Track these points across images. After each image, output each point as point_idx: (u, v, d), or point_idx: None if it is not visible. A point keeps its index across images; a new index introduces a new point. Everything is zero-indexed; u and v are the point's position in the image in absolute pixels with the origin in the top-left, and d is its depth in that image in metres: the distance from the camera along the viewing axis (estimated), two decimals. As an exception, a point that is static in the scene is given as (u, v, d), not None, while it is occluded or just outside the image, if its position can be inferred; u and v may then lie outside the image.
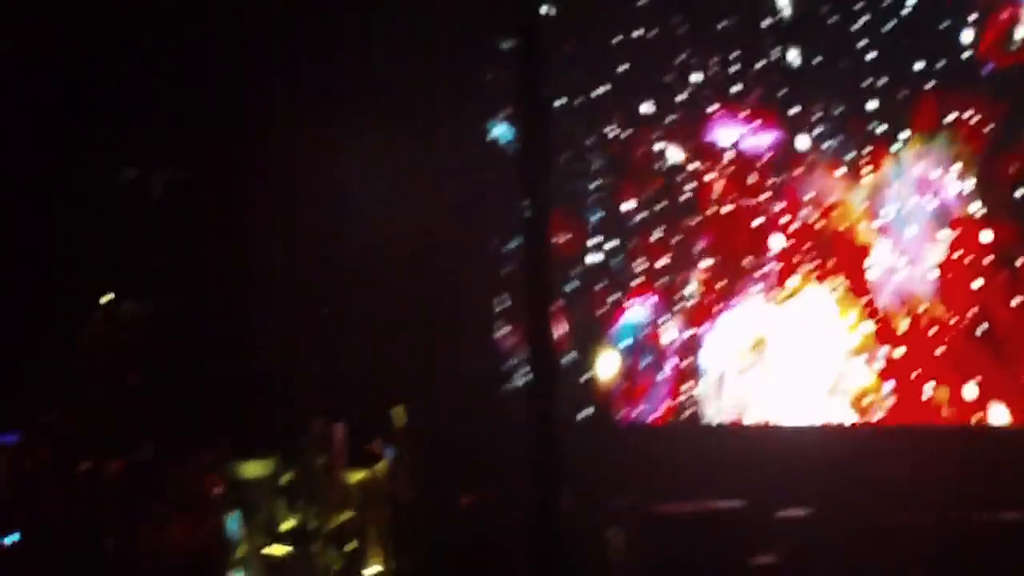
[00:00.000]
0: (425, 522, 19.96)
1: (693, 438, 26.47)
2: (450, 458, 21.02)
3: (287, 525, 21.24)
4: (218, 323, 29.28)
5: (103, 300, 28.45)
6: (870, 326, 23.95)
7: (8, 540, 24.23)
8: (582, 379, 26.62)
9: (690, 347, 25.71)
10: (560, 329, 25.19)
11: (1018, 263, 22.24)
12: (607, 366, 26.41)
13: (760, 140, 25.23)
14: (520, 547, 18.89)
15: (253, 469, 21.80)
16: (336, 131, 29.02)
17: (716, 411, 25.53)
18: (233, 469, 22.29)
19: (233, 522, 22.05)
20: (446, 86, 28.06)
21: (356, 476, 20.50)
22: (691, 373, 25.86)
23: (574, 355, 26.42)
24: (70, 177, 31.36)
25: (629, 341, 26.24)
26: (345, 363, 24.37)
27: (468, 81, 27.80)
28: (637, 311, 26.20)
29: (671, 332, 25.92)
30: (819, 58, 24.67)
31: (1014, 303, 22.49)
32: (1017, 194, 22.38)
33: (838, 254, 24.30)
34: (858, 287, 24.02)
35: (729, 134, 25.47)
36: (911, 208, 23.58)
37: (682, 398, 25.96)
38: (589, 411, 27.28)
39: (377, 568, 20.05)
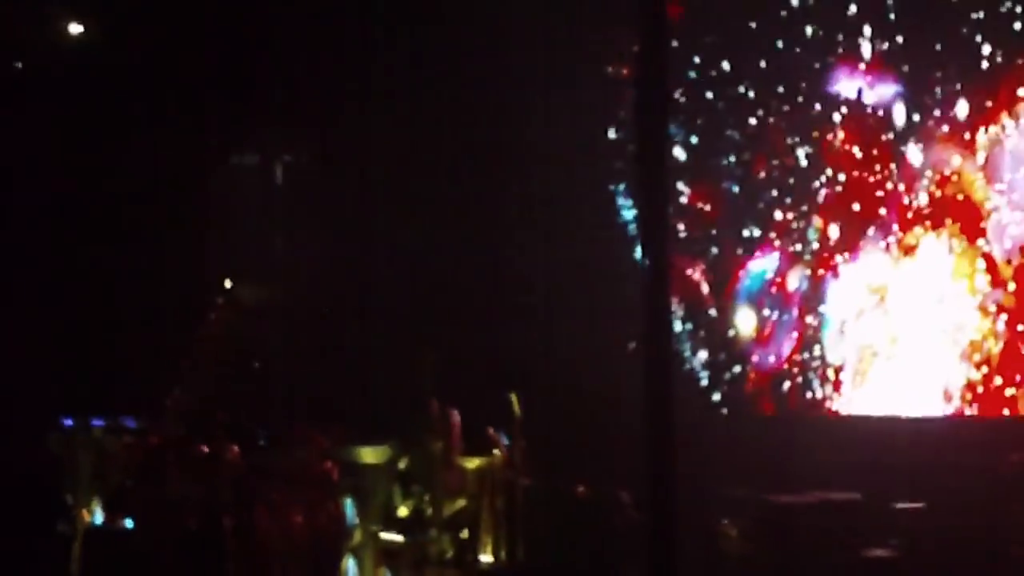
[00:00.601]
0: (540, 510, 19.85)
1: (814, 429, 26.40)
2: (563, 446, 20.95)
3: (403, 510, 21.17)
4: (339, 311, 29.37)
5: (225, 285, 28.53)
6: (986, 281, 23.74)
7: (128, 523, 24.42)
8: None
9: (815, 297, 25.61)
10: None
11: None
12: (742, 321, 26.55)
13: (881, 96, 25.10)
14: (634, 537, 18.86)
15: (371, 455, 21.75)
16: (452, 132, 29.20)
17: (838, 356, 25.34)
18: (351, 453, 22.23)
19: (349, 507, 22.03)
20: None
21: (472, 463, 20.43)
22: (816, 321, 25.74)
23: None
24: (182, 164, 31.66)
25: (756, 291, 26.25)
26: (463, 347, 24.29)
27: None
28: (765, 262, 26.20)
29: (797, 282, 25.88)
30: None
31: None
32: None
33: (956, 212, 24.09)
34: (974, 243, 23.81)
35: (851, 89, 25.32)
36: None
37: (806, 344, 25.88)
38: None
39: (489, 557, 19.98)
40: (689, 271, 27.13)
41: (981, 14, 23.70)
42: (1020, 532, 21.74)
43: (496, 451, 20.12)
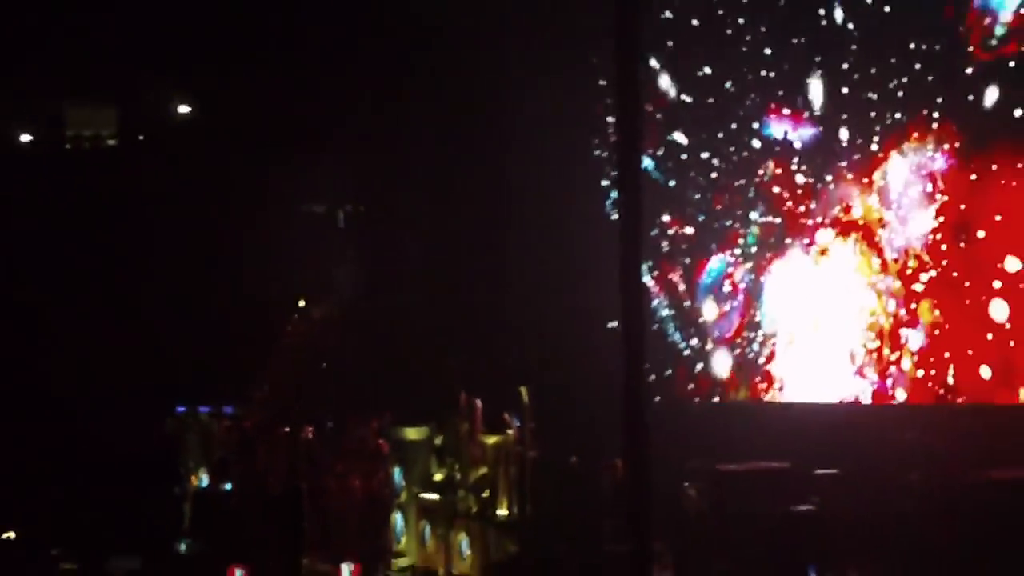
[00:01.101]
0: (542, 476, 19.86)
1: (751, 412, 26.38)
2: (562, 428, 20.93)
3: (438, 476, 21.20)
4: (390, 323, 29.41)
5: (300, 305, 28.53)
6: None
7: (227, 486, 24.44)
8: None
9: (755, 288, 25.71)
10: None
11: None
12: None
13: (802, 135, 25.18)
14: (614, 496, 18.86)
15: (413, 433, 21.81)
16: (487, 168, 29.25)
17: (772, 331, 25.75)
18: (398, 432, 22.26)
19: (397, 474, 22.07)
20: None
21: (491, 440, 20.47)
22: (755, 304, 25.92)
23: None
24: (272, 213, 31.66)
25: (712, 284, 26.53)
26: (486, 351, 24.28)
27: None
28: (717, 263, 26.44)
29: (741, 277, 26.07)
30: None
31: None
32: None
33: (858, 225, 24.19)
34: (873, 248, 23.88)
35: (780, 131, 25.39)
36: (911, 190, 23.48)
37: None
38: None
39: (504, 512, 19.99)
40: (670, 274, 27.28)
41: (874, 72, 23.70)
42: (912, 495, 21.69)
43: (509, 431, 20.14)
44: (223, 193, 32.35)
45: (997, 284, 21.97)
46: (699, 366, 27.11)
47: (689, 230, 27.42)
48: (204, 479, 25.14)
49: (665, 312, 27.44)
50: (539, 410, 20.07)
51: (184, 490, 25.37)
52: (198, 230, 32.31)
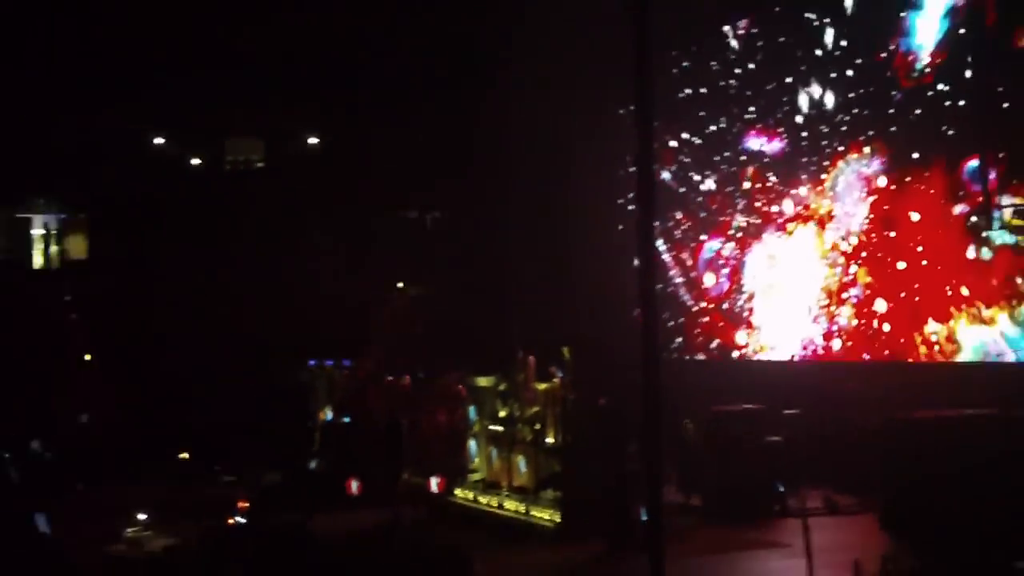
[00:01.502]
0: (579, 414, 19.86)
1: (736, 367, 26.48)
2: (594, 377, 20.93)
3: (502, 413, 21.26)
4: (467, 300, 29.57)
5: (399, 285, 28.68)
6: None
7: (346, 419, 24.54)
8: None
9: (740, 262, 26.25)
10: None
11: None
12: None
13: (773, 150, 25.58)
14: (633, 429, 18.92)
15: (484, 381, 21.87)
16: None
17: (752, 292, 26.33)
18: (472, 380, 22.32)
19: (472, 412, 22.12)
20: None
21: (541, 386, 20.45)
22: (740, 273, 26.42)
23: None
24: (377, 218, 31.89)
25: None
26: (537, 320, 24.38)
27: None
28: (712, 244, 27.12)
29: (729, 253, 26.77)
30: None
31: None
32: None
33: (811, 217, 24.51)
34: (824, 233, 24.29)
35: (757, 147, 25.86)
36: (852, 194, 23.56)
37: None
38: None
39: (551, 440, 19.98)
40: (681, 254, 27.65)
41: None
42: (854, 430, 21.72)
43: (555, 379, 20.11)
44: (343, 201, 32.65)
45: (902, 265, 22.40)
46: (703, 318, 27.42)
47: (692, 222, 27.88)
48: (329, 414, 25.27)
49: (679, 280, 27.87)
50: (577, 364, 20.07)
51: (314, 423, 25.54)
52: (323, 230, 32.62)
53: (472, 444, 22.09)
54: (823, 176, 24.35)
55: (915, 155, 22.20)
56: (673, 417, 20.98)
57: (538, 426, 20.40)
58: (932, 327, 21.90)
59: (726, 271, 26.97)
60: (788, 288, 25.39)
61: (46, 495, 19.51)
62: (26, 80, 31.48)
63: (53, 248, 36.60)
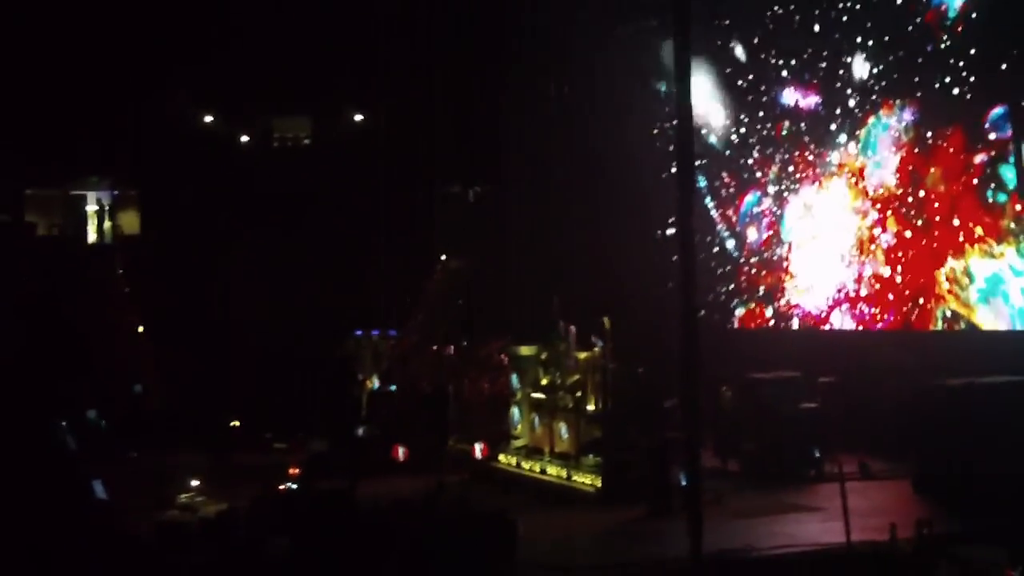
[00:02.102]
0: (619, 381, 19.86)
1: (772, 336, 26.42)
2: (633, 346, 20.94)
3: (544, 381, 21.28)
4: (509, 271, 29.58)
5: (442, 257, 28.72)
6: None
7: (392, 388, 24.61)
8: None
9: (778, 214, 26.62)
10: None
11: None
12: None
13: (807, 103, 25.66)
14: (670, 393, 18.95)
15: (526, 350, 21.88)
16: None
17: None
18: (514, 350, 22.34)
19: (514, 380, 22.13)
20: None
21: (582, 355, 20.47)
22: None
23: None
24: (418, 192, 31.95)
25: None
26: (578, 291, 24.34)
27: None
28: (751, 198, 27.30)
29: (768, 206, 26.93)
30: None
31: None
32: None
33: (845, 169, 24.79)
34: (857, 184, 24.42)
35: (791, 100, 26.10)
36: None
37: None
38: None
39: (592, 407, 19.99)
40: (727, 210, 27.95)
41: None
42: (888, 397, 21.70)
43: (595, 348, 20.11)
44: (387, 177, 32.68)
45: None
46: (746, 268, 27.50)
47: (735, 181, 27.88)
48: (375, 383, 25.35)
49: (725, 233, 27.81)
50: (616, 334, 20.07)
51: (360, 391, 25.60)
52: (369, 205, 32.66)
53: (515, 411, 22.08)
54: (857, 132, 24.40)
55: (943, 106, 22.25)
56: (711, 384, 20.96)
57: (579, 393, 20.44)
58: (950, 264, 22.15)
59: (765, 223, 27.00)
60: (823, 237, 25.41)
61: (102, 463, 19.66)
62: (79, 60, 31.64)
63: (106, 224, 36.81)
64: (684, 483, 16.19)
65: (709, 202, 28.07)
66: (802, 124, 25.80)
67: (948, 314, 22.36)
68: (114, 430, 25.31)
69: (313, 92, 33.18)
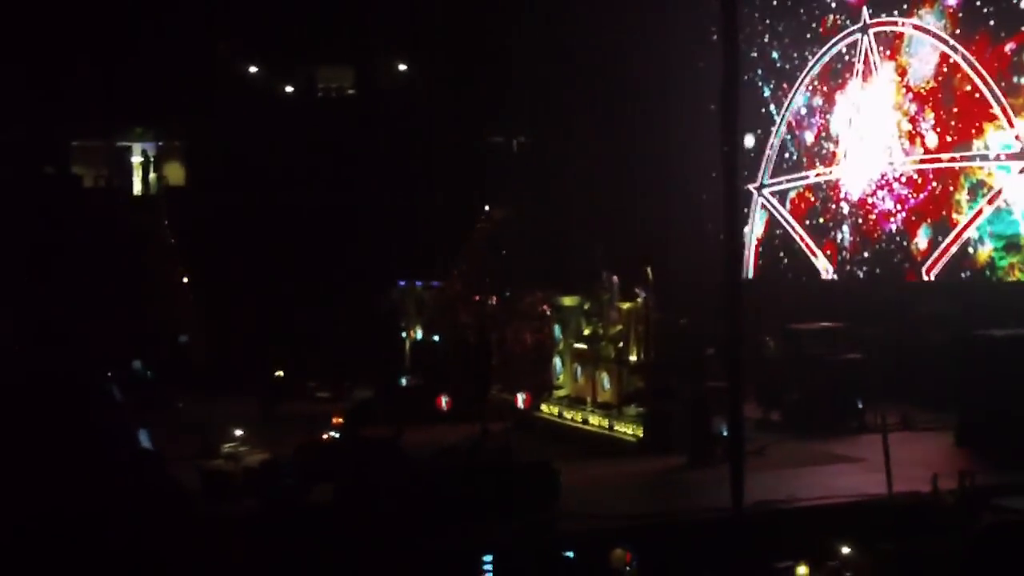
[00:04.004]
0: (661, 332, 19.83)
1: (816, 287, 26.35)
2: (676, 297, 20.93)
3: (586, 332, 21.28)
4: (552, 222, 29.63)
5: (486, 208, 28.73)
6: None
7: (436, 338, 24.67)
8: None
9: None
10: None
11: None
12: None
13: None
14: (712, 343, 18.94)
15: (568, 300, 21.87)
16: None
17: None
18: (557, 300, 22.33)
19: (557, 330, 22.15)
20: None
21: (624, 305, 20.43)
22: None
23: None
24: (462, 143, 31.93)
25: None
26: (621, 243, 24.33)
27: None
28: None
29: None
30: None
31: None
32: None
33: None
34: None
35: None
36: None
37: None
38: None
39: (634, 357, 19.98)
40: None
41: None
42: (932, 348, 21.63)
43: (638, 299, 20.05)
44: (432, 128, 32.73)
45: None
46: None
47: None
48: (419, 333, 25.41)
49: (787, 136, 27.91)
50: (659, 284, 20.04)
51: (405, 341, 25.71)
52: (413, 155, 32.73)
53: (557, 361, 22.08)
54: (899, 29, 24.49)
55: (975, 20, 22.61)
56: (754, 335, 20.92)
57: (621, 344, 20.38)
58: (975, 145, 22.47)
59: (816, 119, 27.03)
60: (868, 129, 25.41)
61: (148, 412, 19.82)
62: (123, 12, 31.75)
63: (151, 175, 37.03)
64: (725, 433, 16.22)
65: (773, 108, 28.36)
66: (847, 19, 26.03)
67: (974, 182, 22.59)
68: (160, 380, 25.49)
69: (357, 42, 33.21)
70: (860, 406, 20.33)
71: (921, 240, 23.90)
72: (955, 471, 14.68)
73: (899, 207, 24.48)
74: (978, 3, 22.50)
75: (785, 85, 27.77)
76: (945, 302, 22.81)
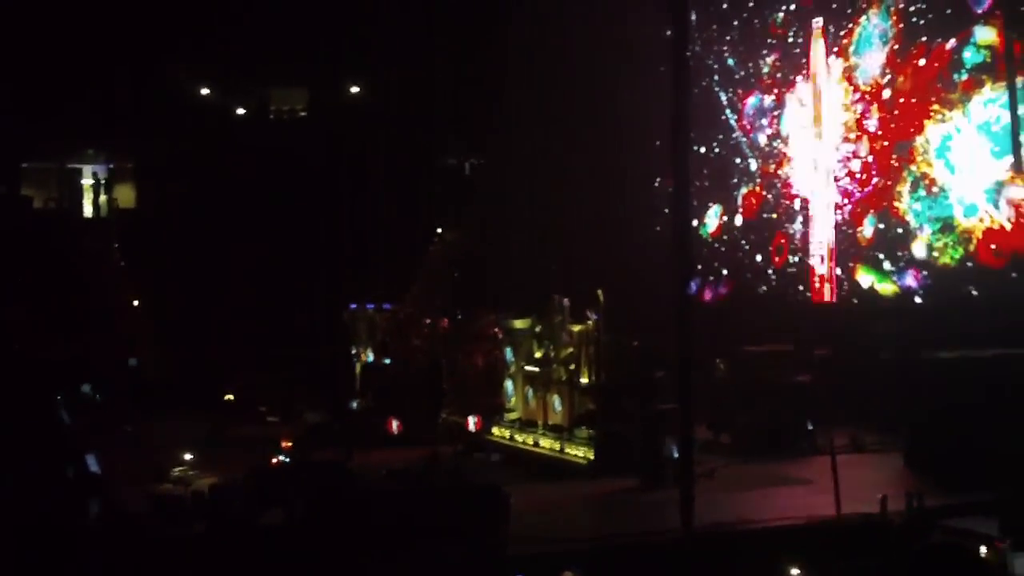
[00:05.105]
0: (612, 354, 19.84)
1: (766, 308, 26.43)
2: (626, 320, 20.91)
3: (538, 354, 21.26)
4: (503, 245, 29.56)
5: (438, 231, 28.67)
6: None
7: (387, 361, 24.57)
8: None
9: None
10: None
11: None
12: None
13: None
14: (662, 366, 18.95)
15: (520, 323, 21.85)
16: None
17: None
18: (508, 323, 22.30)
19: (508, 353, 22.12)
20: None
21: (576, 328, 20.42)
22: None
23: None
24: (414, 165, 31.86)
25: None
26: (572, 267, 24.34)
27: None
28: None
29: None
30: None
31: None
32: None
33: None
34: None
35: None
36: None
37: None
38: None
39: (585, 380, 19.98)
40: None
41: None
42: (881, 369, 21.68)
43: (589, 321, 20.05)
44: (385, 151, 32.67)
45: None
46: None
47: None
48: (370, 356, 25.32)
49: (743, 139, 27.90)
50: (610, 307, 20.04)
51: (355, 364, 25.59)
52: (365, 177, 32.66)
53: (508, 384, 22.06)
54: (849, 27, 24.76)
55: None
56: (704, 357, 20.94)
57: (572, 366, 20.37)
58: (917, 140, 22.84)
59: (767, 119, 27.23)
60: (817, 128, 25.68)
61: (96, 436, 19.65)
62: (75, 33, 31.57)
63: (102, 197, 36.78)
64: (676, 456, 16.24)
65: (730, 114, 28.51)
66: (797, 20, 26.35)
67: (918, 174, 22.90)
68: (109, 403, 25.29)
69: (309, 64, 33.15)
70: (810, 428, 20.40)
71: (867, 229, 24.18)
72: (904, 492, 14.74)
73: (846, 200, 24.79)
74: (922, 5, 22.88)
75: (740, 91, 27.88)
76: (891, 322, 22.94)
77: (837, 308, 24.77)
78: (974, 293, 21.64)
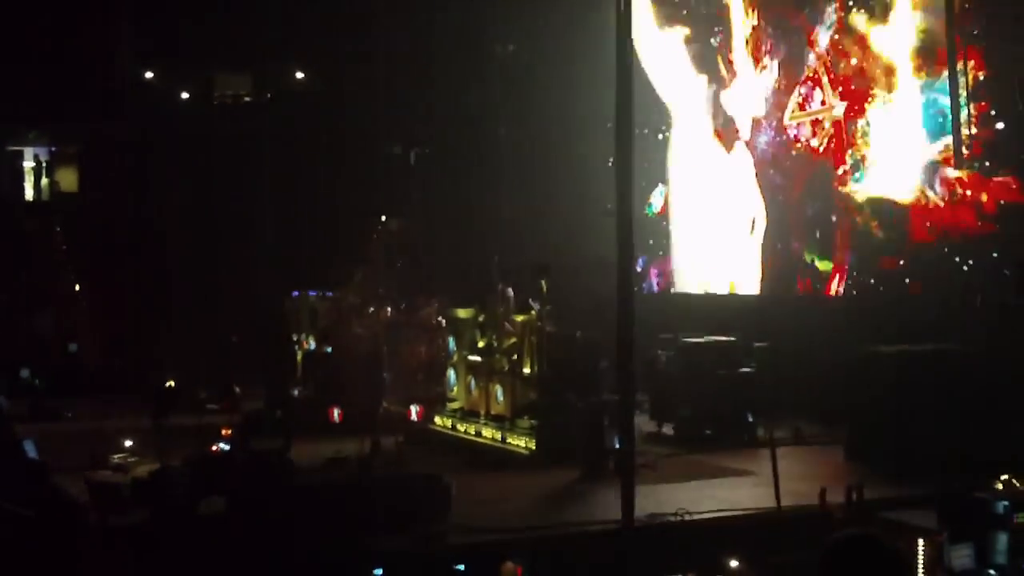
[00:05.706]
0: (555, 344, 19.83)
1: (708, 301, 26.49)
2: (571, 310, 20.93)
3: (481, 344, 21.23)
4: (447, 233, 29.51)
5: (382, 218, 28.51)
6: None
7: (328, 349, 24.42)
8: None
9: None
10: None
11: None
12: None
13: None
14: (606, 356, 18.92)
15: (463, 313, 21.81)
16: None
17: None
18: (452, 312, 22.27)
19: (451, 342, 22.07)
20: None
21: (519, 317, 20.39)
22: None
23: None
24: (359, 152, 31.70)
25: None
26: (518, 257, 24.26)
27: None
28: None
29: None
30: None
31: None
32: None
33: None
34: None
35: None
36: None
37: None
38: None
39: (528, 370, 19.96)
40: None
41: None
42: (821, 363, 21.76)
43: (532, 311, 20.02)
44: (328, 136, 32.51)
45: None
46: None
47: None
48: (312, 343, 25.19)
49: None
50: (554, 297, 20.02)
51: (297, 352, 25.46)
52: (309, 163, 32.47)
53: (451, 374, 21.98)
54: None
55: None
56: (647, 348, 20.96)
57: (515, 356, 20.33)
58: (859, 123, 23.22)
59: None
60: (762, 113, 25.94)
61: (35, 422, 19.45)
62: (16, 14, 31.19)
63: (44, 181, 36.34)
64: (618, 446, 16.24)
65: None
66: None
67: (857, 158, 23.35)
68: (48, 389, 25.04)
69: (254, 49, 32.89)
70: (751, 420, 20.47)
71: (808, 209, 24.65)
72: (844, 484, 14.81)
73: (791, 182, 25.16)
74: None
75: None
76: (832, 316, 23.07)
77: (780, 301, 24.87)
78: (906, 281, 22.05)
